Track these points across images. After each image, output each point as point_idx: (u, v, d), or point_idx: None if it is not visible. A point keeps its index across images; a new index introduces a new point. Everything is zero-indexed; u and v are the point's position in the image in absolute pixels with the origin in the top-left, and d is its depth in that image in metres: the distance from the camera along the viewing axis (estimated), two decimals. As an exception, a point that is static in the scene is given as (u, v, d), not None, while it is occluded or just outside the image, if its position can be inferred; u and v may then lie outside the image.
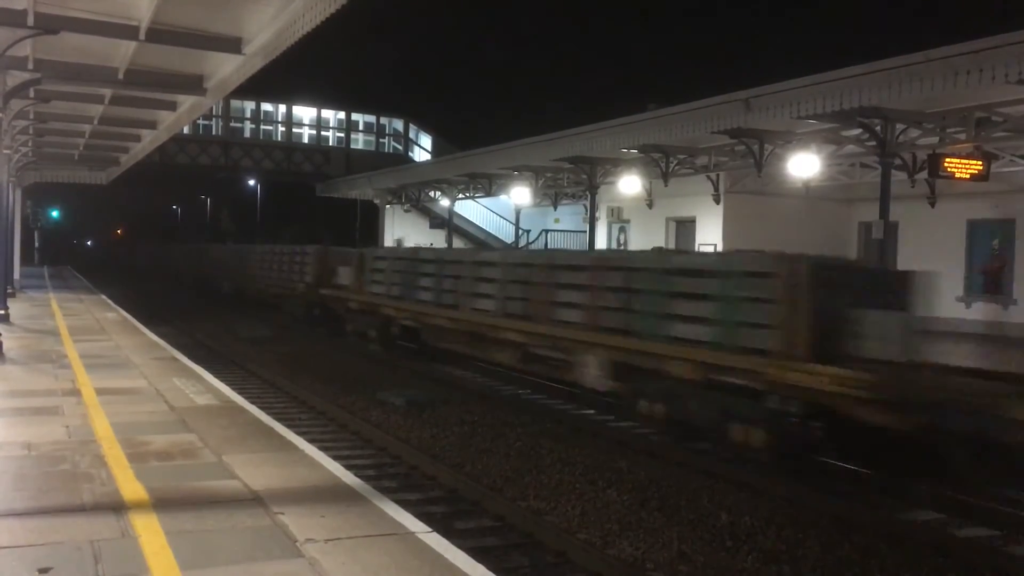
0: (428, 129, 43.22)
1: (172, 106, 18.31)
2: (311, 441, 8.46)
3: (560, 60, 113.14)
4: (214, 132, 38.81)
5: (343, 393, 14.13)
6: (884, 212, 15.41)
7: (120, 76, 14.59)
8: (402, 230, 37.85)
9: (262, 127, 39.88)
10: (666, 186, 23.15)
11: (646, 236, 26.55)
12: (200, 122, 36.34)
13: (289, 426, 9.11)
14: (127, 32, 12.00)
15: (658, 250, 15.21)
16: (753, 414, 9.20)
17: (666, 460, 10.09)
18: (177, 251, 51.30)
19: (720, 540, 7.43)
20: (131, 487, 6.27)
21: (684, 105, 18.18)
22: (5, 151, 18.39)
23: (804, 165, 18.39)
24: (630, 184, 23.59)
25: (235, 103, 38.15)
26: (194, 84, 15.28)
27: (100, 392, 10.18)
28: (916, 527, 7.90)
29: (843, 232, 24.18)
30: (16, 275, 28.53)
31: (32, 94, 16.34)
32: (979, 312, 20.53)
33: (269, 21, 11.32)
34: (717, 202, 23.91)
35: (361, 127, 42.15)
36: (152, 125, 21.21)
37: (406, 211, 38.32)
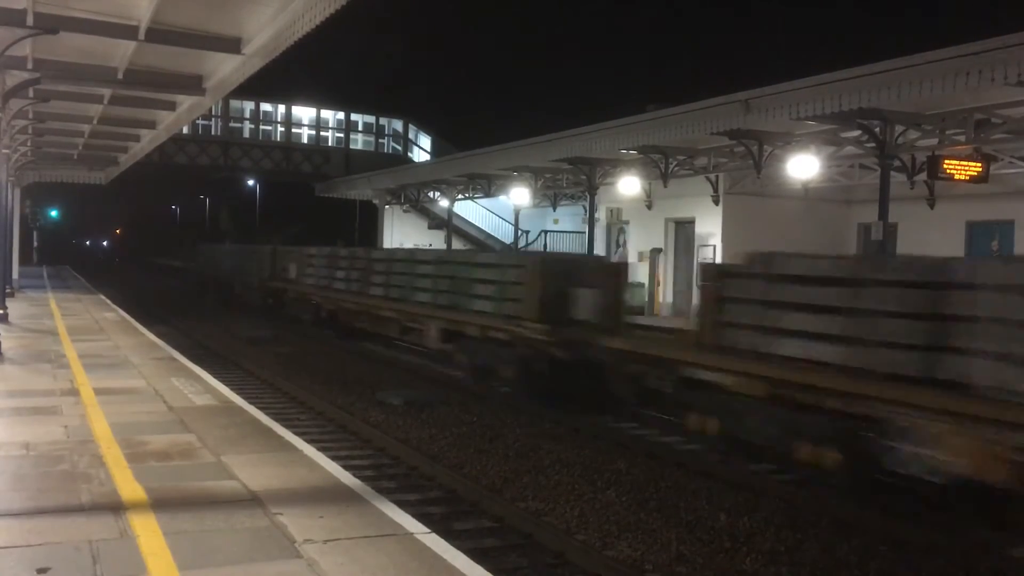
0: (427, 130, 43.19)
1: (171, 106, 18.29)
2: (310, 441, 8.46)
3: (560, 61, 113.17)
4: (213, 132, 38.76)
5: (342, 393, 14.13)
6: (883, 213, 15.41)
7: (119, 76, 14.57)
8: (401, 230, 37.82)
9: (261, 127, 39.82)
10: (665, 187, 23.14)
11: (645, 237, 26.56)
12: (199, 122, 36.28)
13: (288, 426, 9.11)
14: (126, 32, 11.98)
15: (655, 250, 17.51)
16: (509, 358, 13.62)
17: (665, 461, 10.10)
18: (167, 250, 52.76)
19: (719, 541, 7.43)
20: (130, 487, 6.27)
21: (683, 106, 18.16)
22: (4, 150, 18.37)
23: (803, 166, 18.39)
24: (629, 185, 23.59)
25: (234, 103, 38.08)
26: (193, 84, 15.27)
27: (99, 392, 10.18)
28: (915, 530, 7.91)
29: (842, 233, 24.18)
30: (15, 275, 28.49)
31: (31, 94, 16.31)
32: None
33: (268, 21, 11.31)
34: (716, 203, 23.91)
35: (360, 127, 42.10)
36: (151, 125, 21.18)
37: (405, 211, 38.29)
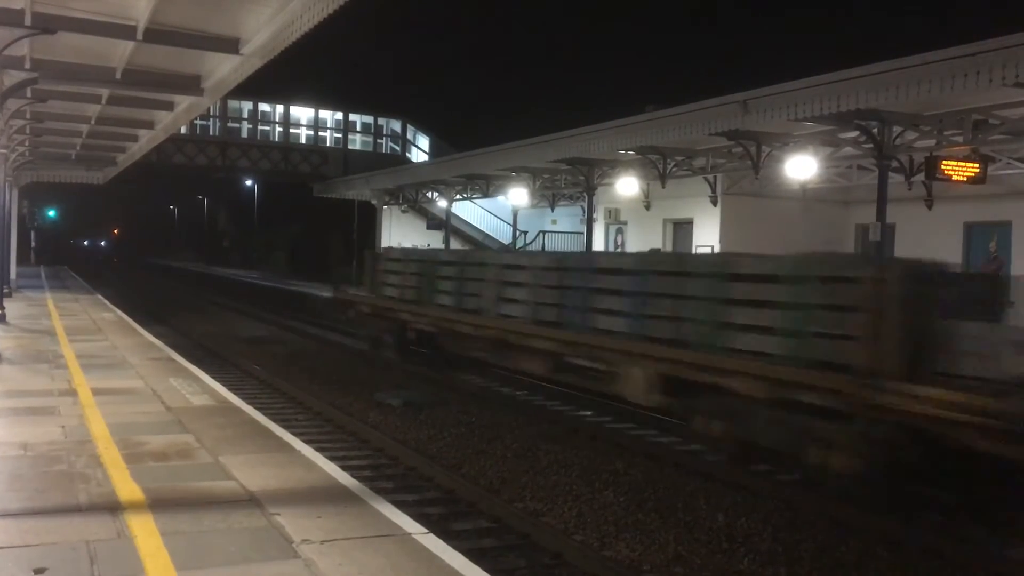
0: (426, 130, 43.18)
1: (169, 106, 18.27)
2: (308, 442, 8.45)
3: (558, 61, 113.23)
4: (211, 132, 38.72)
5: (340, 394, 14.13)
6: (881, 214, 15.42)
7: (117, 76, 14.55)
8: (400, 231, 37.82)
9: (259, 127, 39.77)
10: (663, 187, 23.15)
11: (643, 237, 26.55)
12: (197, 122, 36.23)
13: (286, 427, 9.10)
14: (124, 32, 11.96)
15: (654, 251, 15.90)
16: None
17: (663, 461, 10.11)
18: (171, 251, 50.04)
19: (717, 542, 7.44)
20: (127, 488, 6.26)
21: (681, 107, 18.16)
22: (2, 150, 18.37)
23: (801, 167, 18.40)
24: (627, 185, 23.60)
25: (232, 103, 38.03)
26: (191, 84, 15.25)
27: (96, 392, 10.16)
28: (913, 531, 7.91)
29: (840, 234, 24.20)
30: (12, 275, 28.46)
31: (29, 93, 16.28)
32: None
33: (267, 21, 11.30)
34: (714, 204, 23.92)
35: (359, 127, 42.07)
36: (149, 125, 21.16)
37: (403, 212, 38.30)
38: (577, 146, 21.65)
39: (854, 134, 16.39)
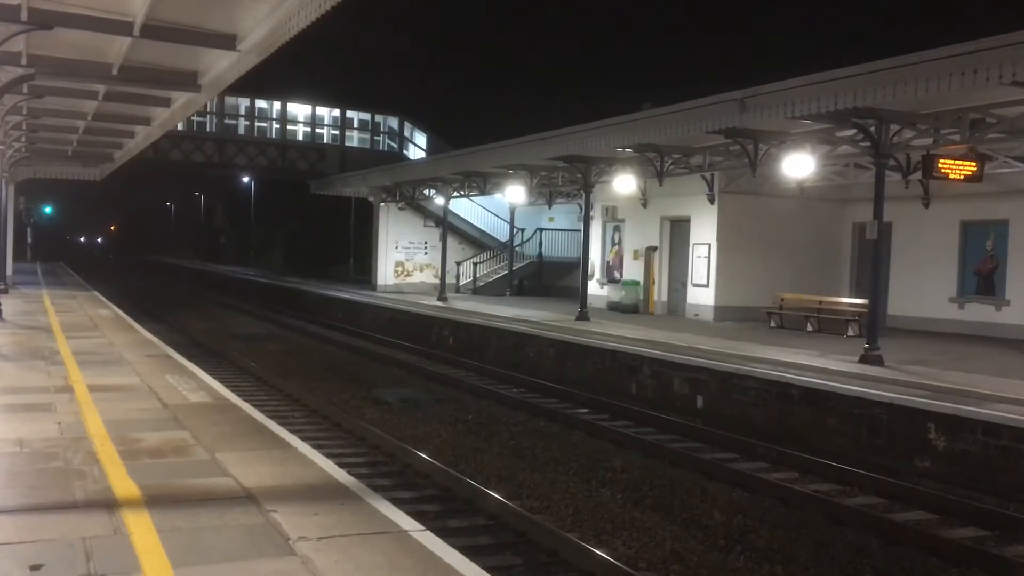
0: (423, 127, 43.12)
1: (166, 102, 18.21)
2: (304, 439, 8.45)
3: (556, 58, 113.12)
4: (208, 129, 38.62)
5: (337, 391, 14.13)
6: (878, 213, 15.41)
7: (114, 72, 14.50)
8: (397, 228, 37.80)
9: (256, 124, 39.67)
10: (661, 185, 23.12)
11: (641, 235, 26.57)
12: (194, 119, 36.13)
13: (282, 424, 9.10)
14: (121, 28, 11.92)
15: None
16: None
17: (660, 459, 10.12)
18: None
19: (713, 539, 7.45)
20: (123, 484, 6.25)
21: (679, 105, 18.13)
22: (-2, 147, 18.34)
23: (798, 165, 18.38)
24: (625, 183, 23.57)
25: (229, 100, 37.93)
26: (188, 81, 15.21)
27: (93, 389, 10.15)
28: (908, 526, 7.93)
29: (837, 233, 24.21)
30: (9, 271, 28.40)
31: (25, 90, 16.25)
32: (972, 313, 20.58)
33: (264, 18, 11.27)
34: (712, 202, 23.92)
35: (356, 125, 41.99)
36: (146, 121, 21.10)
37: (400, 209, 38.26)
38: (575, 144, 21.63)
39: (851, 132, 16.37)
